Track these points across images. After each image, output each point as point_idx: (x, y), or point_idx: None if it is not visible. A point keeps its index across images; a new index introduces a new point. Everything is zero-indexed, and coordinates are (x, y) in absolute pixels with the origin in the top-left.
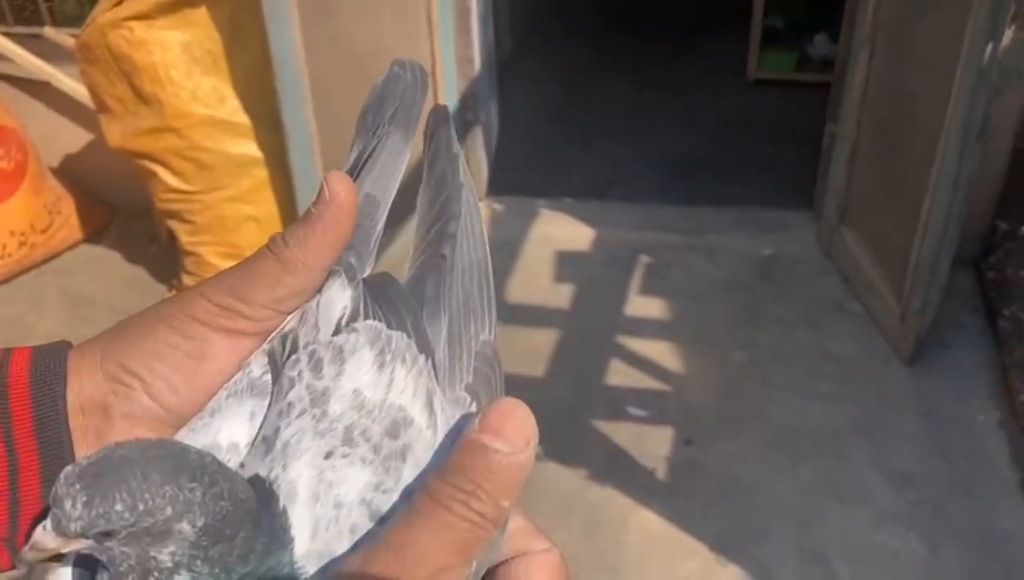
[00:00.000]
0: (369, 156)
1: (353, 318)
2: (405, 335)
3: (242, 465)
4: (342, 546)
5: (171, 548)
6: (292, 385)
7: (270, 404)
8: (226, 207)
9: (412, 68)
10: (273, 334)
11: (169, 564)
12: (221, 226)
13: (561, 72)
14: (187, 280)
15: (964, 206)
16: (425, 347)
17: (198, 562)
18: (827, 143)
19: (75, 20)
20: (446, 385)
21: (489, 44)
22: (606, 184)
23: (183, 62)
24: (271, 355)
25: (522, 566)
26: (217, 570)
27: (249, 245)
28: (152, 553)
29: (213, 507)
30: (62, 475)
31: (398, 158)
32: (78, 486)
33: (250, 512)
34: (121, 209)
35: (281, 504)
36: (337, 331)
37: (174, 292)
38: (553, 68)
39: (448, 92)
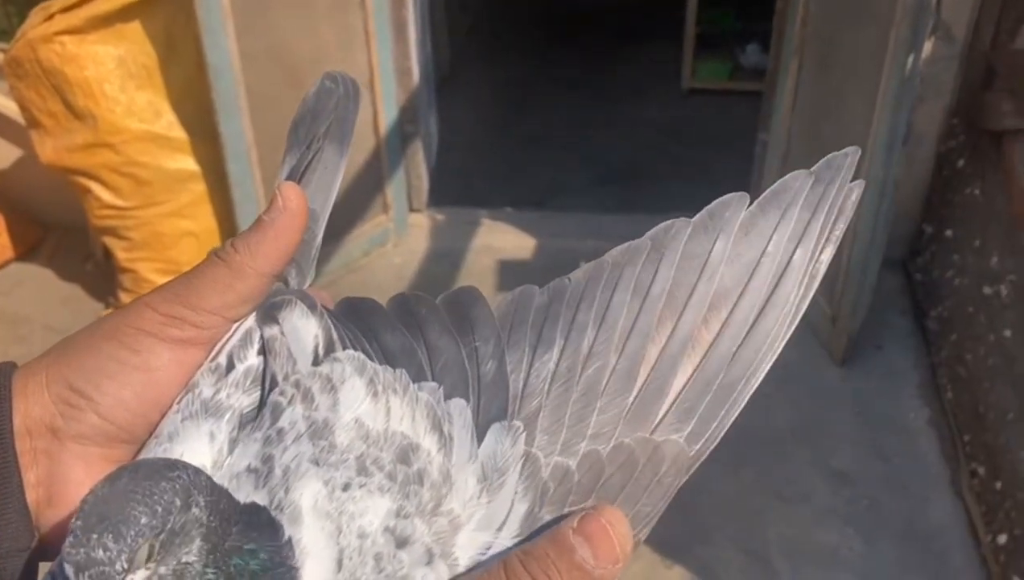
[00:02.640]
0: (305, 169)
1: (329, 348)
2: (389, 368)
3: (227, 492)
4: (367, 573)
5: (197, 543)
6: (279, 413)
7: (235, 430)
8: (163, 222)
9: (344, 81)
10: (217, 348)
11: (197, 566)
12: (159, 242)
13: (500, 84)
14: (124, 297)
15: (891, 211)
16: (419, 373)
17: (219, 554)
18: (759, 151)
19: (2, 34)
20: (516, 415)
21: (427, 55)
22: (546, 193)
23: (117, 77)
24: (218, 373)
25: None
26: (236, 560)
27: (187, 261)
28: (185, 559)
29: (201, 482)
30: (69, 548)
31: (334, 172)
32: (95, 535)
33: (230, 497)
34: (55, 226)
35: (285, 526)
36: (317, 361)
37: (111, 310)
38: (492, 80)
39: (387, 103)
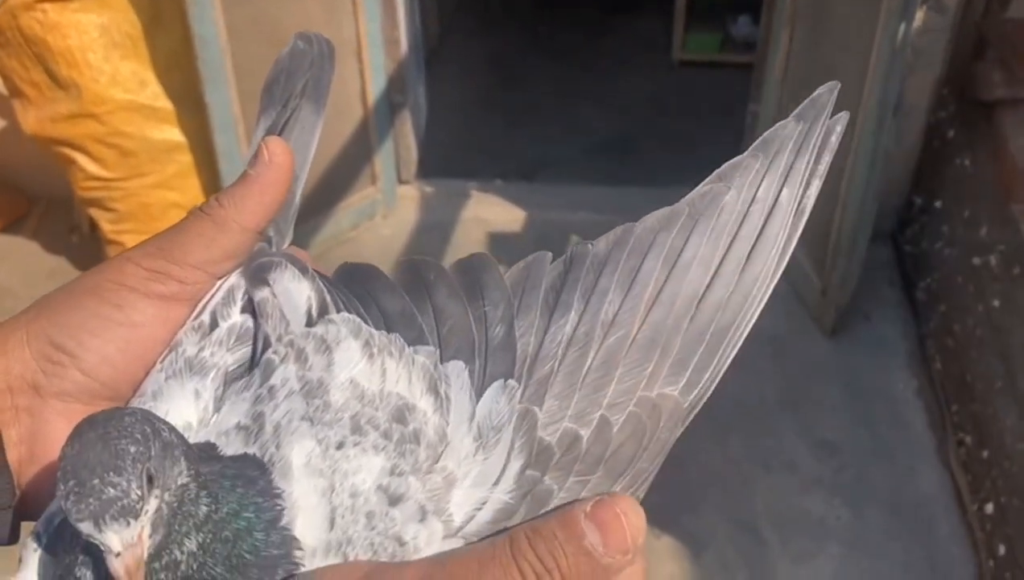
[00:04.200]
0: (282, 129)
1: (323, 310)
2: (385, 333)
3: (214, 446)
4: (358, 531)
5: (183, 463)
6: (271, 371)
7: (220, 388)
8: (149, 194)
9: (318, 41)
10: (200, 306)
11: (192, 486)
12: (145, 213)
13: (489, 55)
14: None
15: (881, 182)
16: (419, 336)
17: (200, 481)
18: (750, 122)
19: None
20: (529, 385)
21: (416, 26)
22: (535, 166)
23: (101, 46)
24: (202, 331)
25: None
26: (215, 492)
27: None
28: (180, 482)
29: (152, 414)
30: (73, 508)
31: (311, 131)
32: (95, 481)
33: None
34: (39, 198)
35: (275, 480)
36: (311, 323)
37: None
38: (481, 51)
39: (375, 74)
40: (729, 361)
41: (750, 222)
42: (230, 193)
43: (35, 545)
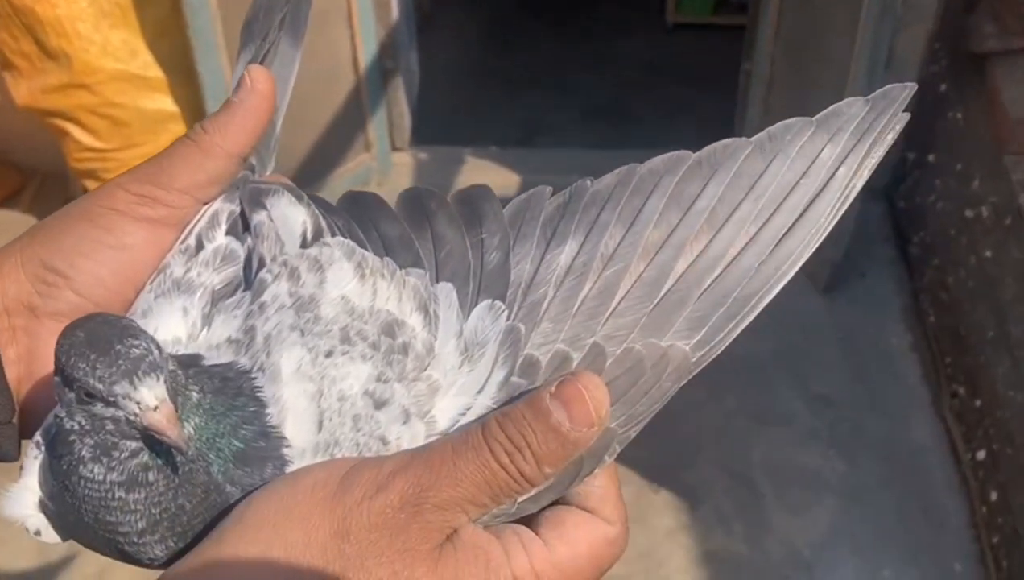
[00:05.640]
0: (261, 62)
1: (318, 234)
2: (378, 257)
3: (200, 356)
4: (344, 433)
5: (167, 355)
6: (263, 289)
7: (208, 306)
8: None
9: None
10: (186, 231)
11: (180, 374)
12: None
13: (482, 21)
14: None
15: None
16: (413, 259)
17: (188, 373)
18: (743, 82)
19: None
20: (522, 315)
21: None
22: (530, 131)
23: (90, 15)
24: (188, 253)
25: (572, 520)
26: (202, 383)
27: None
28: (170, 366)
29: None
30: (97, 381)
31: (290, 64)
32: (118, 347)
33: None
34: (35, 172)
35: (265, 384)
36: (305, 245)
37: None
38: (475, 16)
39: (366, 39)
40: (743, 327)
41: (799, 193)
42: (214, 120)
43: (35, 452)
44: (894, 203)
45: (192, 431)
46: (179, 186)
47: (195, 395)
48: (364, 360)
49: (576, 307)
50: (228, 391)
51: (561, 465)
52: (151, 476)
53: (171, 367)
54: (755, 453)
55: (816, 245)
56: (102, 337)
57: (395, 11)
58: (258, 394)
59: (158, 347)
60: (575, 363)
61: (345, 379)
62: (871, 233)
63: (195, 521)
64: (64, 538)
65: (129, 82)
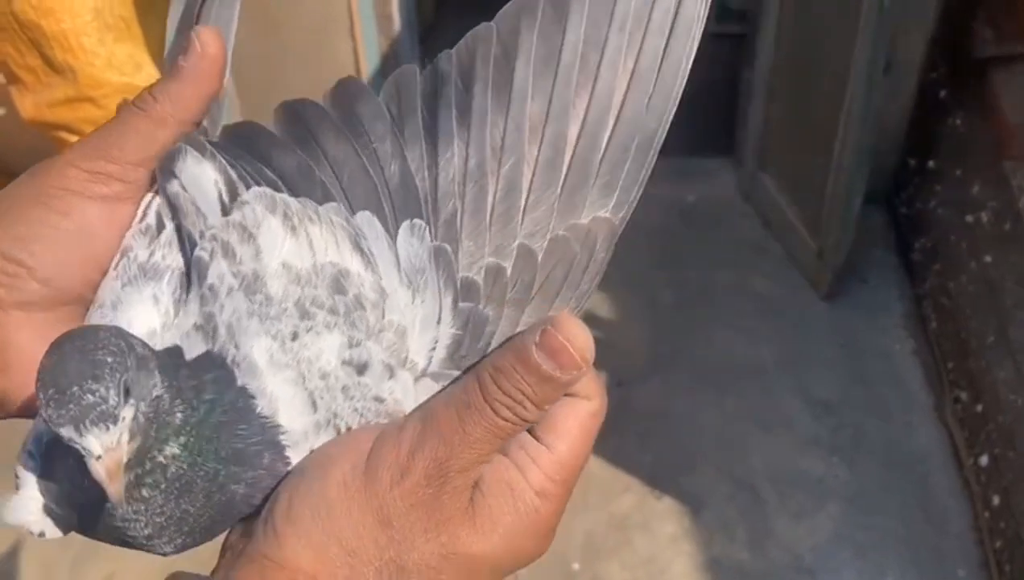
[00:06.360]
0: (201, 7)
1: (233, 191)
2: (291, 195)
3: (180, 349)
4: (340, 404)
5: (157, 376)
6: (205, 270)
7: (178, 289)
8: None
9: None
10: (143, 207)
11: (166, 397)
12: None
13: None
14: None
15: (873, 142)
16: (322, 192)
17: (177, 387)
18: (744, 90)
19: None
20: (440, 228)
21: (410, 1)
22: None
23: (95, 29)
24: (149, 234)
25: (561, 414)
26: (191, 396)
27: None
28: (156, 393)
29: (123, 330)
30: (53, 414)
31: (231, 7)
32: (75, 389)
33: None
34: None
35: (242, 377)
36: (225, 210)
37: None
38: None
39: (368, 50)
40: (652, 168)
41: (661, 7)
42: (165, 88)
43: (31, 463)
44: (895, 209)
45: (178, 451)
46: (132, 160)
47: (179, 417)
48: (330, 330)
49: (488, 217)
50: (210, 399)
51: (557, 399)
52: (145, 492)
53: (157, 393)
54: (757, 459)
55: (694, 50)
56: (68, 371)
57: (397, 21)
58: (246, 388)
59: (124, 390)
60: (508, 272)
61: (320, 357)
62: (872, 239)
63: (202, 519)
64: (66, 532)
65: (134, 95)
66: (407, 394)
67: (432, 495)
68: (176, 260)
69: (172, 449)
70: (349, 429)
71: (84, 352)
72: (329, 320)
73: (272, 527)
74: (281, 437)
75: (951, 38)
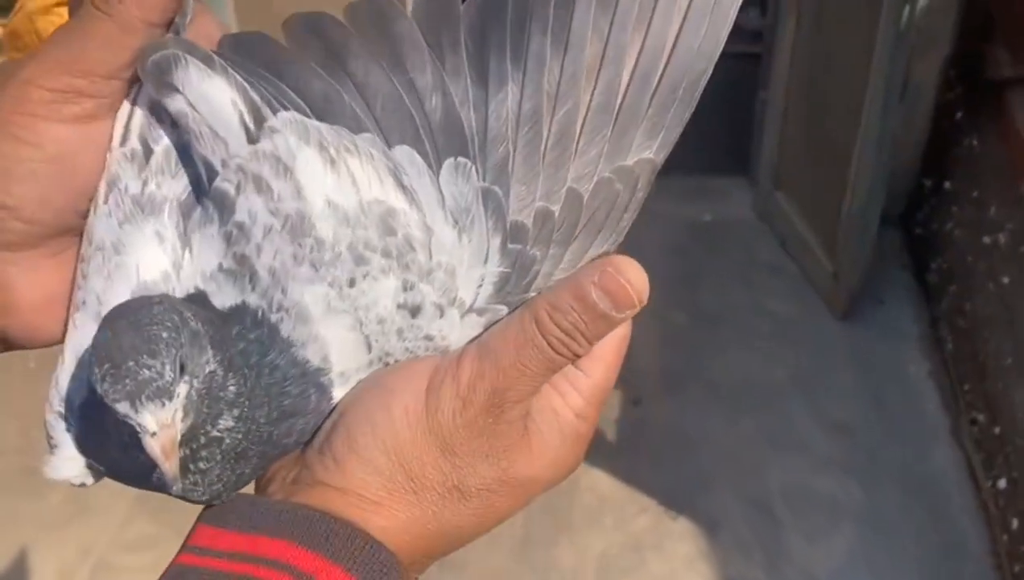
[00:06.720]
0: None
1: (257, 116)
2: (326, 125)
3: (205, 294)
4: (393, 345)
5: (210, 352)
6: (231, 205)
7: (180, 222)
8: None
9: None
10: (121, 127)
11: (220, 371)
12: None
13: None
14: None
15: (888, 164)
16: (354, 121)
17: (231, 361)
18: (759, 110)
19: (1, 9)
20: (487, 171)
21: None
22: None
23: None
24: (137, 161)
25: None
26: (241, 364)
27: None
28: (208, 369)
29: (177, 301)
30: (109, 389)
31: None
32: (130, 363)
33: (203, 307)
34: None
35: (293, 323)
36: (251, 137)
37: None
38: None
39: None
40: (693, 110)
41: None
42: None
43: (64, 425)
44: (911, 230)
45: (232, 423)
46: (102, 72)
47: (232, 390)
48: (385, 274)
49: (540, 162)
50: (261, 350)
51: (607, 334)
52: (202, 465)
53: (210, 369)
54: (772, 479)
55: None
56: (123, 346)
57: None
58: (291, 339)
59: (179, 366)
60: (556, 214)
61: (377, 302)
62: (888, 259)
63: (256, 471)
64: (102, 477)
65: None
66: (453, 329)
67: (491, 424)
68: (172, 188)
69: (226, 422)
70: (397, 362)
71: (139, 327)
72: (384, 264)
73: (332, 457)
74: (327, 378)
75: (967, 59)
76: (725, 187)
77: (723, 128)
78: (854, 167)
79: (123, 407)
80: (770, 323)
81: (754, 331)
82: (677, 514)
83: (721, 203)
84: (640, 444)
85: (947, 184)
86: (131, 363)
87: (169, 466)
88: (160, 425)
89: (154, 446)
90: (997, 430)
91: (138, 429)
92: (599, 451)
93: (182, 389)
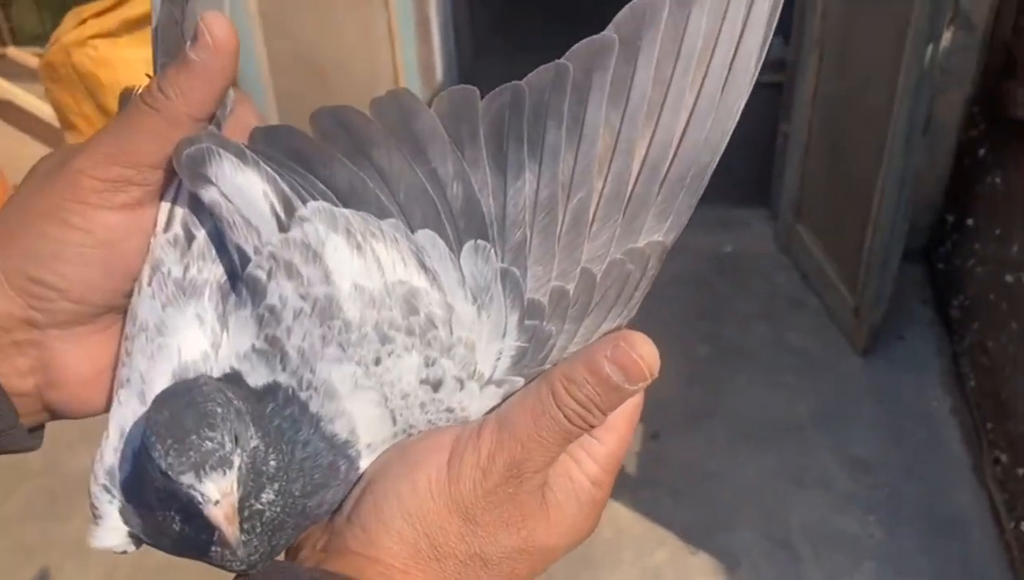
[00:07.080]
0: None
1: (288, 206)
2: (351, 211)
3: (240, 373)
4: (416, 418)
5: (252, 428)
6: (262, 289)
7: (219, 304)
8: None
9: None
10: (165, 215)
11: (261, 446)
12: None
13: (522, 76)
14: None
15: (911, 201)
16: (378, 207)
17: (269, 437)
18: (781, 144)
19: (36, 39)
20: (504, 250)
21: (450, 51)
22: None
23: (147, 79)
24: (179, 246)
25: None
26: (278, 440)
27: None
28: (252, 444)
29: (219, 383)
30: (172, 463)
31: None
32: (192, 437)
33: (244, 394)
34: None
35: (321, 400)
36: (282, 226)
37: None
38: (515, 75)
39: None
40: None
41: (722, 47)
42: (176, 83)
43: (108, 497)
44: (933, 265)
45: (273, 497)
46: (149, 163)
47: (272, 465)
48: (408, 352)
49: (556, 245)
50: (294, 427)
51: (620, 405)
52: (243, 537)
53: (254, 443)
54: (793, 517)
55: (749, 91)
56: (183, 423)
57: (439, 71)
58: (320, 415)
59: (234, 438)
60: (571, 292)
61: (401, 379)
62: (909, 295)
63: (289, 542)
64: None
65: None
66: (473, 401)
67: (511, 494)
68: (212, 272)
69: (268, 495)
70: (420, 432)
71: (194, 405)
72: (407, 342)
73: (360, 525)
74: (354, 450)
75: (990, 98)
76: (746, 218)
77: (743, 158)
78: (876, 203)
79: (188, 478)
80: (791, 357)
81: (775, 366)
82: (696, 549)
83: (742, 234)
84: (659, 478)
85: (969, 220)
86: (193, 437)
87: (232, 531)
88: (222, 494)
89: (217, 514)
90: (1021, 472)
91: (199, 499)
92: (618, 485)
93: (238, 459)
